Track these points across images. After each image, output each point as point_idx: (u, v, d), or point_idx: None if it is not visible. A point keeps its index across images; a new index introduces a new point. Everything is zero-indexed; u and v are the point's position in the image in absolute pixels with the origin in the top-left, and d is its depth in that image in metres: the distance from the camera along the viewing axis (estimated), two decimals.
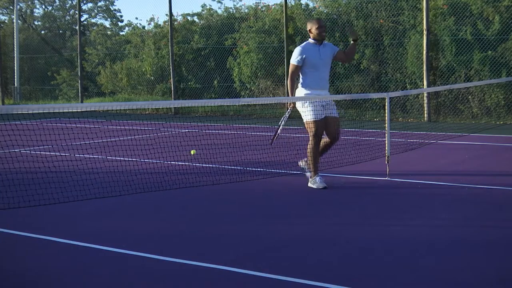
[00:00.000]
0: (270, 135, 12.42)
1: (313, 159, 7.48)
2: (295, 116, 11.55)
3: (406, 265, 4.72)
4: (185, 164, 8.92)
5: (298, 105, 7.62)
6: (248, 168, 8.68)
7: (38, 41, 27.08)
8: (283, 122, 7.80)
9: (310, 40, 7.59)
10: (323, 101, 7.50)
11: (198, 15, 20.83)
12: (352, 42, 7.78)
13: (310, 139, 7.47)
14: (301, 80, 7.61)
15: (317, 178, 7.51)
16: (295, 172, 8.42)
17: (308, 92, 7.52)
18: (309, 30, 7.58)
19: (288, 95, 7.82)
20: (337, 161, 8.79)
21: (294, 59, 7.50)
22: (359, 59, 16.50)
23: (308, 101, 7.48)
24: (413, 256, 4.94)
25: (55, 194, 6.79)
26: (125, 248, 5.18)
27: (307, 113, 7.49)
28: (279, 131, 7.81)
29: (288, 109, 7.79)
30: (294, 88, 7.57)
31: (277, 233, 5.64)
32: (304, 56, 7.45)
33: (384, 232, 5.65)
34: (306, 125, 7.53)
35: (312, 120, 7.43)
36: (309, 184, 7.57)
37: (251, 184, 7.76)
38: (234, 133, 12.56)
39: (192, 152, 10.09)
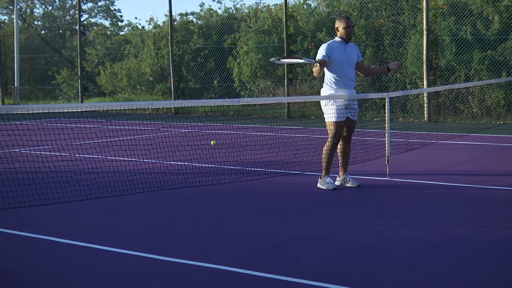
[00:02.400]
0: (270, 135, 12.42)
1: (327, 160, 7.42)
2: (295, 116, 11.44)
3: (406, 265, 4.72)
4: (185, 164, 8.92)
5: (322, 104, 7.56)
6: (248, 168, 8.68)
7: (38, 41, 27.08)
8: (302, 60, 7.45)
9: (337, 38, 7.47)
10: (346, 101, 7.39)
11: (196, 14, 20.84)
12: (387, 68, 7.71)
13: (329, 139, 7.43)
14: (326, 79, 7.50)
15: (327, 179, 7.47)
16: (295, 172, 8.42)
17: (333, 92, 7.40)
18: (336, 28, 7.46)
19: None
20: (337, 161, 8.78)
21: (320, 55, 7.34)
22: None
23: (331, 101, 7.37)
24: (413, 256, 4.94)
25: (55, 194, 6.79)
26: (125, 248, 5.18)
27: (329, 114, 7.41)
28: (290, 60, 7.54)
29: (318, 60, 7.33)
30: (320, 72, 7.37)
31: (277, 233, 5.64)
32: (329, 53, 7.32)
33: (384, 232, 5.65)
34: (327, 125, 7.47)
35: (333, 121, 7.36)
36: (318, 185, 7.52)
37: (251, 184, 7.76)
38: (234, 133, 12.57)
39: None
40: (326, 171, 7.46)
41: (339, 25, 7.42)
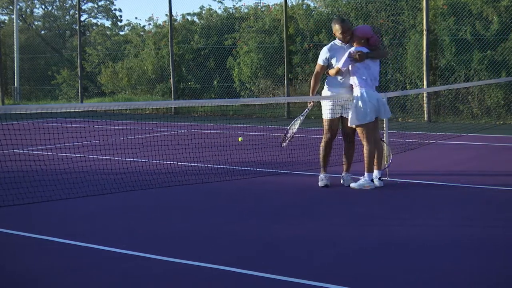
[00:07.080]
0: (270, 135, 12.42)
1: (322, 156, 7.62)
2: (295, 116, 11.43)
3: (405, 265, 4.72)
4: (185, 164, 8.92)
5: (321, 102, 7.74)
6: (247, 168, 8.68)
7: (38, 41, 27.06)
8: (298, 121, 7.83)
9: (337, 41, 7.58)
10: (343, 100, 7.54)
11: (198, 14, 20.82)
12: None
13: (323, 134, 7.66)
14: (327, 80, 7.66)
15: (321, 175, 7.61)
16: (295, 172, 8.42)
17: (332, 92, 7.55)
18: (334, 33, 7.56)
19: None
20: (337, 160, 8.78)
21: (320, 59, 7.55)
22: None
23: (328, 99, 7.56)
24: (412, 256, 4.94)
25: (51, 191, 6.78)
26: (125, 248, 5.18)
27: (325, 111, 7.61)
28: (291, 132, 7.83)
29: (307, 108, 7.83)
30: (316, 88, 7.66)
31: (277, 233, 5.64)
32: (330, 56, 7.48)
33: (384, 232, 5.65)
34: (323, 121, 7.67)
35: (327, 118, 7.57)
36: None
37: (250, 183, 7.76)
38: (233, 133, 12.56)
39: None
40: (322, 168, 7.64)
41: (335, 31, 7.51)
